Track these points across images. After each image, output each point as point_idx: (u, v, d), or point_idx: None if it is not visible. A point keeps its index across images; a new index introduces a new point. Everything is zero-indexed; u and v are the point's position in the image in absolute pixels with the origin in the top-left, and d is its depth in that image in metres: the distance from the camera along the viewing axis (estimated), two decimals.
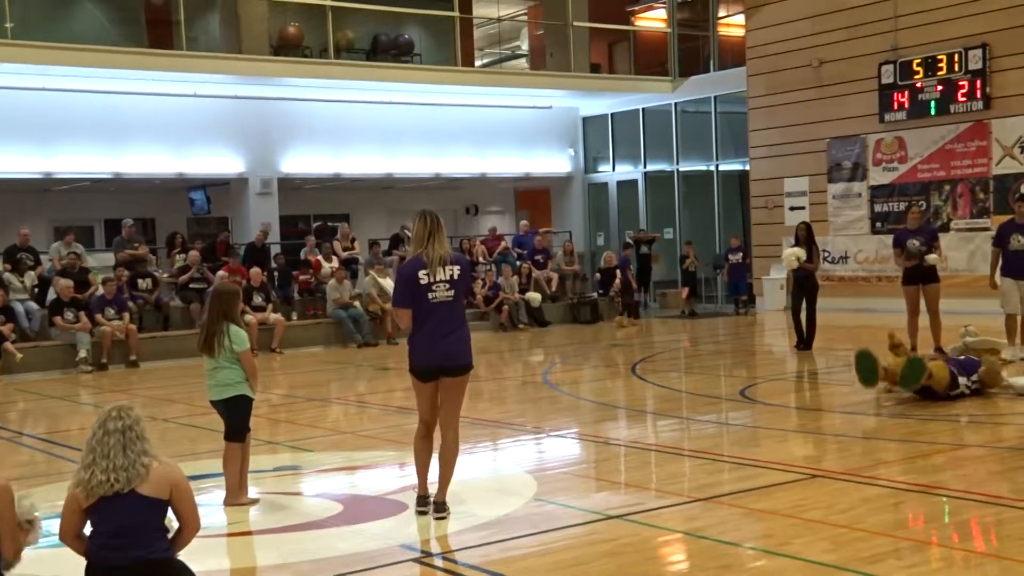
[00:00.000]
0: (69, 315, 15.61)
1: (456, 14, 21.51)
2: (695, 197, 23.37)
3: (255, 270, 17.52)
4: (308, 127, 21.01)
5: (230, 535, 6.37)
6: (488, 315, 19.48)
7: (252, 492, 7.07)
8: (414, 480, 7.15)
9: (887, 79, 18.62)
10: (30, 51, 16.82)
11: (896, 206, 18.46)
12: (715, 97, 22.36)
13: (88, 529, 4.25)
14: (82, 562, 4.28)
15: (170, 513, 4.28)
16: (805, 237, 14.02)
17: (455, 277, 6.25)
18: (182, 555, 4.35)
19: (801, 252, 13.76)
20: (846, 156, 19.51)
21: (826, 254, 19.31)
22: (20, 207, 19.34)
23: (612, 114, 24.31)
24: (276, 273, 18.75)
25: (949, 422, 8.81)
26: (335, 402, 12.26)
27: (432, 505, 6.33)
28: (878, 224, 18.93)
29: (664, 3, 24.14)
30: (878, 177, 19.09)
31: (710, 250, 22.67)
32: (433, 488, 6.38)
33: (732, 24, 23.37)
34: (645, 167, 23.97)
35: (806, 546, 5.43)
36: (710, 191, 22.87)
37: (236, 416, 6.93)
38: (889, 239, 15.14)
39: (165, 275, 17.99)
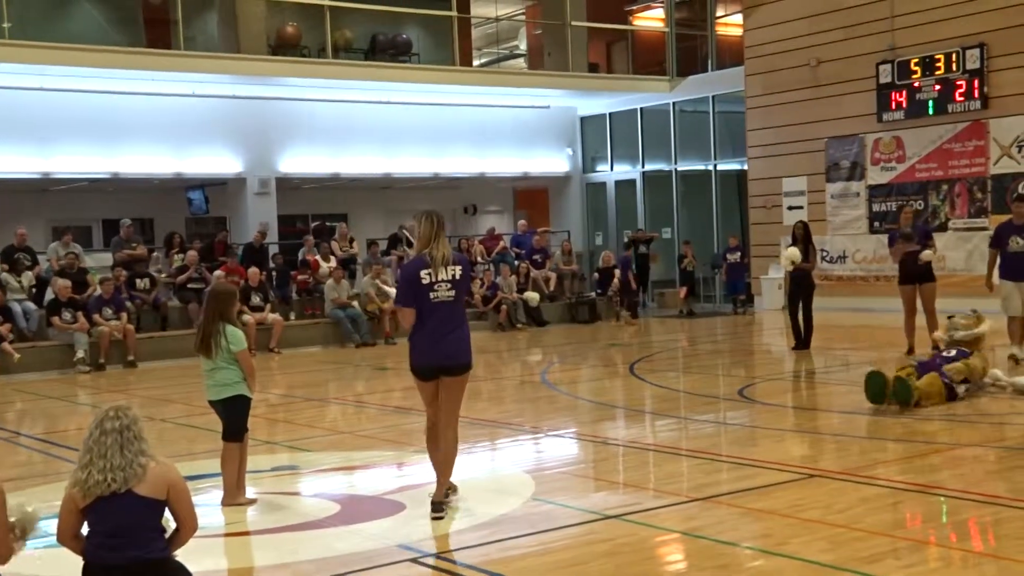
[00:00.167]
0: (67, 315, 15.60)
1: (454, 14, 21.51)
2: (693, 197, 23.37)
3: (253, 270, 17.52)
4: (306, 127, 21.01)
5: (228, 535, 6.37)
6: (486, 315, 19.48)
7: (250, 492, 7.07)
8: (411, 480, 7.16)
9: (885, 79, 18.63)
10: (28, 51, 16.80)
11: (894, 206, 18.44)
12: (713, 97, 22.36)
13: (85, 529, 4.25)
14: (81, 562, 4.27)
15: (167, 513, 4.27)
16: (802, 236, 14.03)
17: (456, 277, 6.33)
18: (179, 555, 4.34)
19: (797, 253, 13.76)
20: (844, 156, 19.52)
21: (824, 254, 19.34)
22: (18, 207, 19.32)
23: (610, 114, 24.31)
24: (274, 273, 18.74)
25: (947, 422, 8.81)
26: (333, 402, 12.26)
27: (431, 505, 6.34)
28: (876, 224, 18.93)
29: (662, 3, 24.14)
30: (876, 177, 19.09)
31: (708, 250, 22.68)
32: (456, 481, 6.50)
33: (730, 24, 23.37)
34: (643, 167, 23.97)
35: (804, 546, 5.43)
36: (708, 191, 22.88)
37: (234, 416, 6.93)
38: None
39: (163, 275, 17.98)
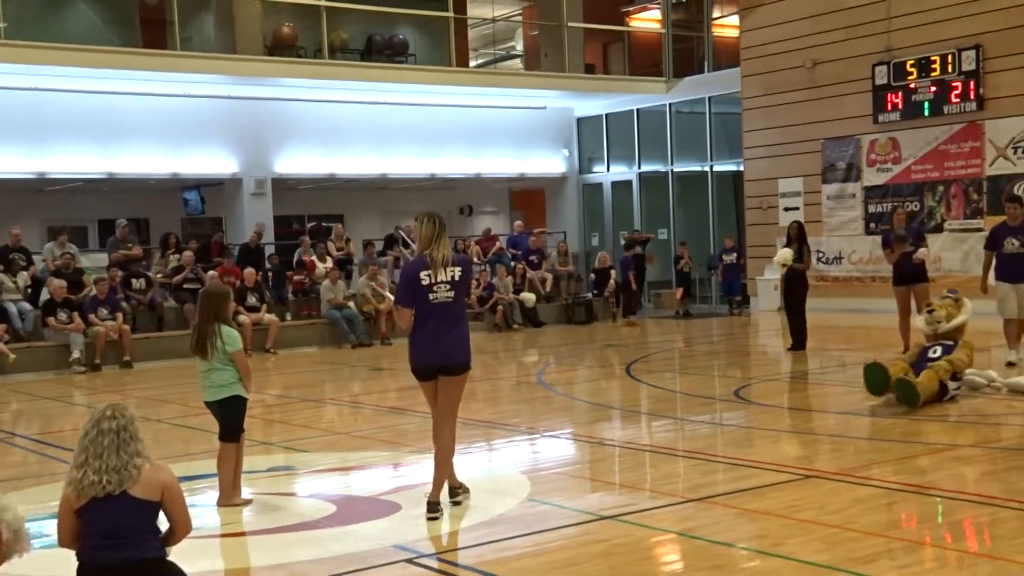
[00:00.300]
0: (62, 316, 15.57)
1: (450, 14, 21.51)
2: (689, 198, 23.39)
3: (249, 270, 17.51)
4: (302, 127, 21.00)
5: (223, 536, 6.37)
6: (483, 315, 19.48)
7: (245, 493, 7.05)
8: (407, 481, 7.16)
9: (881, 80, 18.65)
10: (24, 51, 16.79)
11: (890, 207, 18.43)
12: (709, 98, 22.38)
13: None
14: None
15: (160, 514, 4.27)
16: (797, 236, 14.04)
17: (456, 278, 6.38)
18: (175, 556, 4.34)
19: (788, 253, 13.77)
20: (840, 157, 19.54)
21: (820, 255, 19.37)
22: (13, 207, 19.30)
23: (606, 115, 24.32)
24: (270, 273, 18.74)
25: (942, 422, 8.82)
26: (329, 403, 12.25)
27: (426, 505, 6.35)
28: (872, 225, 18.95)
29: (658, 4, 24.15)
30: (872, 178, 19.12)
31: (704, 251, 22.70)
32: (464, 479, 6.55)
33: (726, 25, 23.38)
34: (639, 168, 23.98)
35: (799, 546, 5.43)
36: (704, 192, 22.89)
37: (230, 417, 6.92)
38: None
39: (159, 275, 17.97)
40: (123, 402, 4.30)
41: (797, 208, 20.09)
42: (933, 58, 17.94)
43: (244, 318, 16.34)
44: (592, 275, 22.07)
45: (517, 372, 14.55)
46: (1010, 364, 11.26)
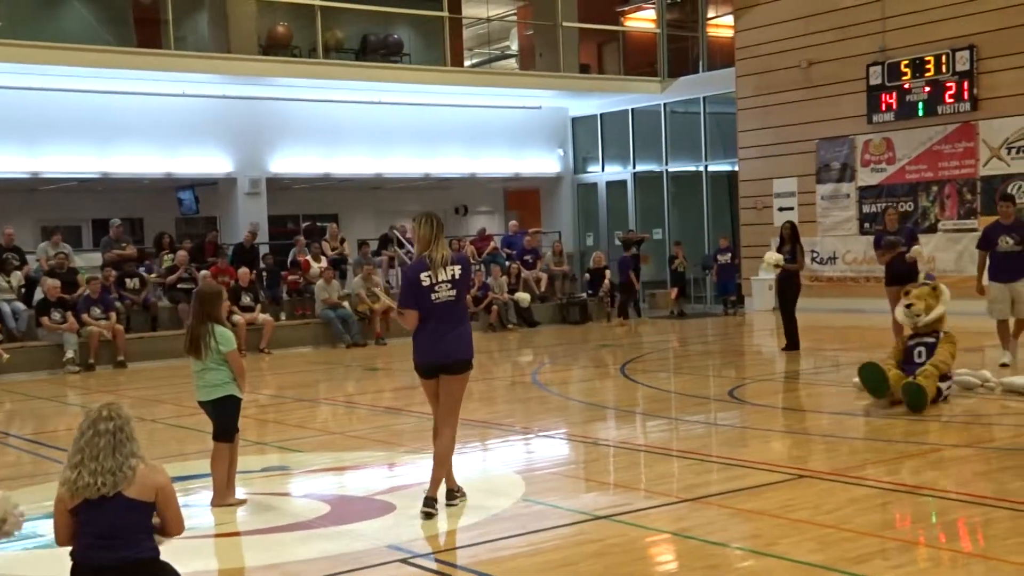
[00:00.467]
0: (56, 315, 15.55)
1: (445, 14, 21.50)
2: (684, 198, 23.40)
3: (243, 270, 17.49)
4: (297, 127, 20.98)
5: (217, 536, 6.36)
6: (477, 315, 19.46)
7: (240, 493, 7.05)
8: (402, 481, 7.15)
9: (875, 80, 18.68)
10: (17, 50, 16.74)
11: (884, 207, 18.48)
12: (704, 98, 22.40)
13: None
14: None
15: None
16: (789, 236, 14.06)
17: (457, 277, 6.44)
18: (170, 556, 4.33)
19: (776, 255, 13.78)
20: (835, 157, 19.57)
21: (814, 255, 19.40)
22: (7, 207, 19.24)
23: (601, 114, 24.33)
24: (265, 273, 18.72)
25: (937, 423, 8.83)
26: (323, 402, 12.24)
27: (422, 500, 6.37)
28: (866, 225, 18.97)
29: (653, 4, 24.16)
30: (866, 178, 19.14)
31: (699, 250, 22.71)
32: (462, 482, 6.59)
33: (721, 25, 23.40)
34: (634, 167, 23.99)
35: (793, 546, 5.43)
36: (699, 192, 22.91)
37: (224, 416, 6.91)
38: None
39: (153, 275, 17.94)
40: (118, 402, 4.29)
41: (791, 208, 20.12)
42: (927, 58, 17.96)
43: (238, 318, 16.33)
44: (587, 275, 22.07)
45: (512, 372, 14.54)
46: (1004, 365, 11.25)
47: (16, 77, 17.61)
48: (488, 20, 26.32)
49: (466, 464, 7.71)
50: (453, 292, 6.43)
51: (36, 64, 17.05)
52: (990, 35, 17.26)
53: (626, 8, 25.59)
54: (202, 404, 6.97)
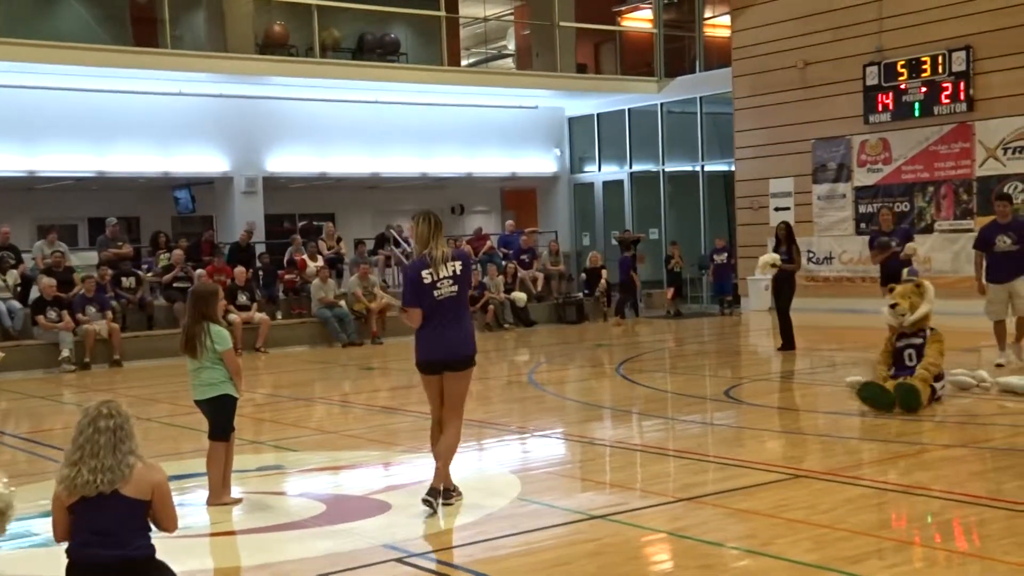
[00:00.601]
0: (52, 314, 15.53)
1: (442, 13, 21.49)
2: (680, 197, 23.42)
3: (240, 269, 17.49)
4: (293, 126, 20.97)
5: (213, 535, 6.36)
6: (474, 315, 19.44)
7: (235, 492, 7.05)
8: (397, 480, 7.14)
9: (872, 80, 18.69)
10: (14, 48, 16.72)
11: (879, 207, 18.50)
12: (701, 98, 22.41)
13: None
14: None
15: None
16: (785, 237, 14.06)
17: (457, 272, 6.47)
18: (165, 555, 4.33)
19: (772, 256, 13.78)
20: (831, 157, 19.58)
21: (810, 255, 19.42)
22: (3, 205, 19.24)
23: (598, 114, 24.34)
24: (261, 272, 18.71)
25: (932, 423, 8.84)
26: (319, 402, 12.24)
27: (427, 490, 6.41)
28: (862, 225, 18.97)
29: (650, 4, 24.17)
30: (862, 178, 19.15)
31: (695, 251, 22.72)
32: (458, 481, 6.62)
33: (718, 25, 23.41)
34: (631, 167, 24.00)
35: (788, 546, 5.44)
36: (695, 192, 22.92)
37: (220, 416, 6.91)
38: None
39: (149, 274, 17.93)
40: (116, 399, 4.28)
41: (788, 208, 20.13)
42: (923, 59, 17.97)
43: (235, 317, 16.33)
44: (583, 275, 22.08)
45: (508, 371, 14.54)
46: (999, 365, 11.26)
47: (13, 76, 17.60)
48: (485, 20, 26.33)
49: (462, 463, 7.71)
50: (455, 288, 6.45)
51: (33, 63, 17.03)
52: (986, 36, 17.27)
53: (623, 8, 25.59)
54: (198, 403, 6.96)
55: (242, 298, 17.26)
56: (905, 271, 10.73)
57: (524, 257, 21.50)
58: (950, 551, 5.43)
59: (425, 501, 6.35)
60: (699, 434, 9.05)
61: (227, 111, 20.22)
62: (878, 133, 18.81)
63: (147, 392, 12.85)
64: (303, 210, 23.01)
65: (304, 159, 21.19)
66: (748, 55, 20.73)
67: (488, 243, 21.72)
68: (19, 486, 7.56)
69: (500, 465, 7.93)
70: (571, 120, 24.89)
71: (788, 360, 13.45)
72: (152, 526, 4.26)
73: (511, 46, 27.80)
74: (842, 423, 9.13)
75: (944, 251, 17.87)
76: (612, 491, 7.04)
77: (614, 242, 22.92)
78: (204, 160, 20.19)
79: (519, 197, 26.48)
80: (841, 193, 19.50)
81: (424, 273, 6.41)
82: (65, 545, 4.21)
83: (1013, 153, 17.15)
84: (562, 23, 22.94)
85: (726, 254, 21.24)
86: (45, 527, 5.80)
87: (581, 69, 24.51)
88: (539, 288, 21.18)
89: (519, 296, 20.15)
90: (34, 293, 16.12)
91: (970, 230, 17.41)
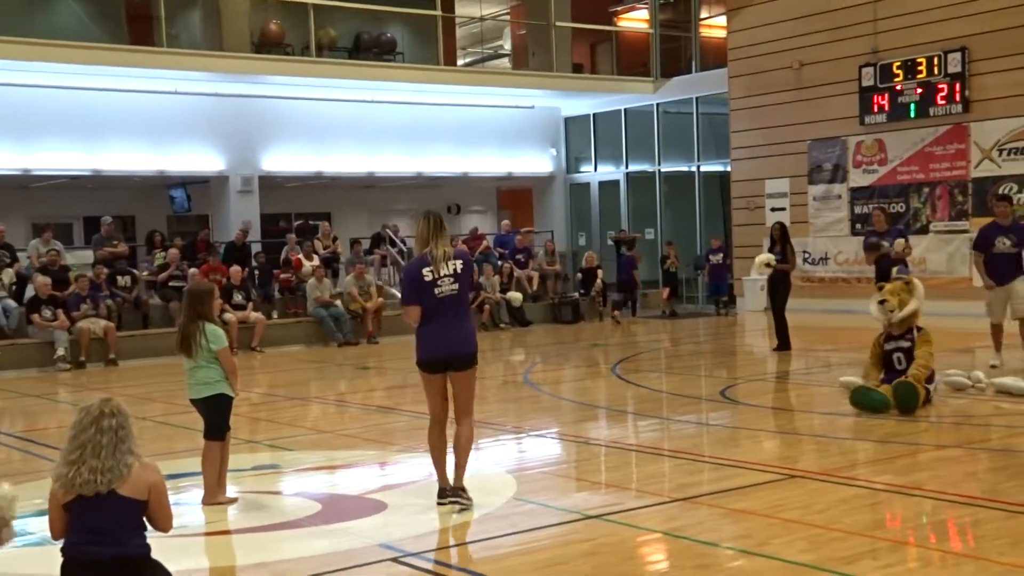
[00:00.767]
0: (47, 313, 15.50)
1: (439, 13, 21.48)
2: (676, 198, 23.43)
3: (235, 268, 17.47)
4: (289, 125, 20.96)
5: (208, 534, 6.35)
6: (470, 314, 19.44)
7: (230, 491, 7.04)
8: (393, 480, 7.14)
9: (867, 82, 18.72)
10: (9, 46, 16.69)
11: (872, 208, 18.52)
12: (697, 98, 22.43)
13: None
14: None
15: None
16: (779, 237, 14.08)
17: (458, 271, 6.47)
18: (160, 554, 4.32)
19: (768, 257, 13.79)
20: (827, 158, 19.60)
21: (806, 255, 19.44)
22: None
23: (594, 114, 24.34)
24: (256, 271, 18.69)
25: (927, 423, 8.85)
26: (315, 401, 12.23)
27: (451, 491, 6.43)
28: (858, 226, 19.00)
29: (646, 4, 24.18)
30: (858, 179, 19.18)
31: (691, 251, 22.74)
32: (454, 481, 6.58)
33: (714, 25, 23.42)
34: (627, 167, 24.02)
35: (784, 546, 5.45)
36: (691, 192, 22.94)
37: (216, 415, 6.90)
38: None
39: (145, 273, 17.92)
40: (115, 398, 4.27)
41: (784, 209, 20.15)
42: (919, 60, 18.01)
43: (230, 316, 16.31)
44: (579, 274, 22.09)
45: (504, 371, 14.54)
46: (993, 367, 11.27)
47: (7, 74, 17.56)
48: (481, 19, 26.33)
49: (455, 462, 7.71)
50: (455, 286, 6.45)
51: (28, 60, 17.00)
52: (982, 37, 17.31)
53: (619, 8, 25.61)
54: (193, 402, 6.96)
55: (238, 297, 17.24)
56: (895, 269, 10.71)
57: (520, 257, 21.50)
58: (945, 551, 5.44)
59: (452, 503, 6.36)
60: (694, 434, 9.06)
61: (223, 110, 20.21)
62: (874, 134, 18.84)
63: (142, 391, 12.83)
64: (299, 209, 22.99)
65: (300, 158, 21.17)
66: (744, 56, 20.75)
67: (484, 243, 21.73)
68: (14, 484, 7.56)
69: (496, 465, 7.93)
70: (567, 120, 24.90)
71: (783, 360, 13.46)
72: (148, 525, 4.26)
73: (507, 46, 27.82)
74: (837, 423, 9.13)
75: (939, 252, 17.90)
76: (608, 491, 7.04)
77: (610, 242, 22.95)
78: (200, 159, 20.17)
79: (515, 197, 26.49)
80: (837, 194, 19.52)
81: (425, 271, 6.42)
82: (60, 543, 4.21)
83: (1008, 154, 17.18)
84: (558, 23, 22.95)
85: (722, 254, 21.26)
86: (40, 526, 5.79)
87: (577, 69, 24.52)
88: (535, 288, 21.19)
89: (515, 296, 20.15)
90: (29, 292, 16.09)
91: (965, 231, 17.47)
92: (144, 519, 4.23)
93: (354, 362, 15.47)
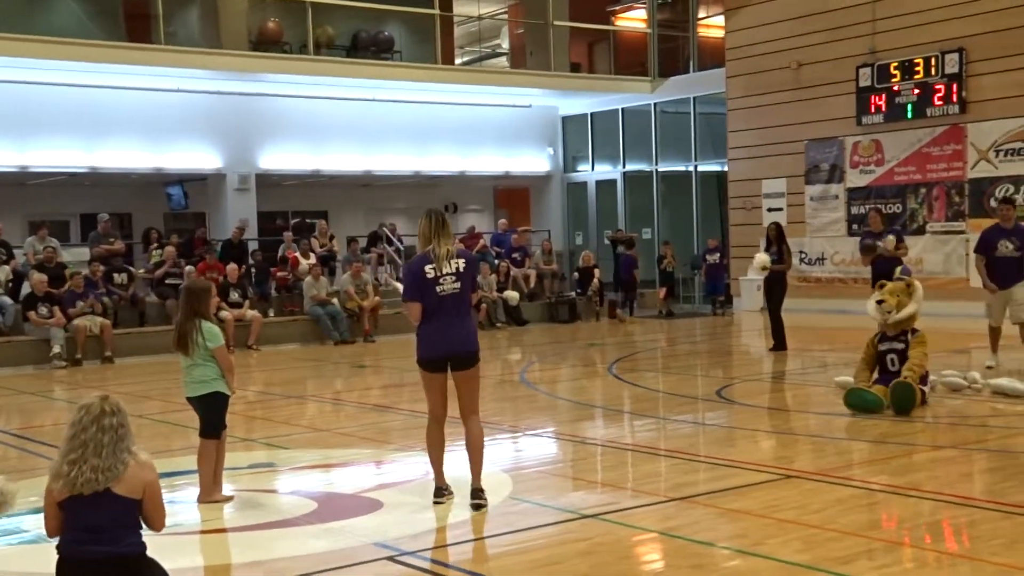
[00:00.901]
0: (43, 310, 15.49)
1: (437, 12, 21.48)
2: (674, 197, 23.43)
3: (232, 266, 17.46)
4: (287, 123, 20.95)
5: (203, 532, 6.35)
6: None
7: (226, 489, 7.04)
8: (389, 478, 7.13)
9: (865, 82, 18.73)
10: (7, 43, 16.67)
11: (868, 208, 18.54)
12: (694, 98, 22.43)
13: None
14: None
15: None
16: (775, 237, 14.08)
17: (461, 270, 6.47)
18: (156, 552, 4.32)
19: (765, 258, 13.81)
20: (824, 158, 19.61)
21: (803, 255, 19.45)
22: None
23: (592, 114, 24.35)
24: (253, 269, 18.68)
25: (923, 424, 8.86)
26: (311, 399, 12.23)
27: (470, 493, 6.44)
28: (855, 226, 19.01)
29: (644, 3, 24.19)
30: (855, 179, 19.19)
31: (688, 250, 22.75)
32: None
33: (712, 25, 23.43)
34: (624, 167, 24.02)
35: (779, 546, 5.45)
36: (689, 192, 22.95)
37: (212, 413, 6.90)
38: None
39: (141, 270, 17.91)
40: (112, 396, 4.26)
41: (781, 209, 20.16)
42: (916, 60, 18.02)
43: (226, 314, 16.30)
44: (576, 274, 22.09)
45: (500, 370, 14.53)
46: (988, 368, 11.28)
47: (5, 71, 17.55)
48: (479, 18, 26.32)
49: (454, 462, 7.71)
50: (458, 285, 6.45)
51: (25, 58, 16.98)
52: (979, 38, 17.32)
53: (617, 8, 25.60)
54: (190, 400, 6.96)
55: (234, 295, 17.23)
56: (898, 270, 10.70)
57: (516, 255, 21.50)
58: (940, 552, 5.44)
59: (475, 506, 6.36)
60: (690, 434, 9.07)
61: (220, 108, 20.20)
62: (871, 134, 18.85)
63: (139, 389, 12.83)
64: (296, 207, 22.99)
65: (297, 156, 21.17)
66: (742, 55, 20.76)
67: (481, 242, 21.72)
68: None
69: (492, 464, 7.91)
70: (565, 119, 24.90)
71: (780, 360, 13.47)
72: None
73: (505, 45, 27.81)
74: (833, 424, 9.14)
75: (936, 252, 17.92)
76: (603, 490, 7.04)
77: (607, 242, 22.95)
78: (197, 156, 20.15)
79: (512, 196, 26.49)
80: (834, 194, 19.53)
81: (427, 268, 6.42)
82: (55, 541, 4.21)
83: (1005, 155, 17.20)
84: (556, 22, 22.95)
85: (719, 254, 21.27)
86: (35, 524, 5.79)
87: (575, 68, 24.53)
88: (531, 286, 21.19)
89: (511, 295, 20.15)
90: (25, 289, 16.07)
91: (962, 232, 17.51)
92: (139, 518, 4.23)
93: (350, 360, 15.46)
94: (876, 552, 5.35)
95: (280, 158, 21.02)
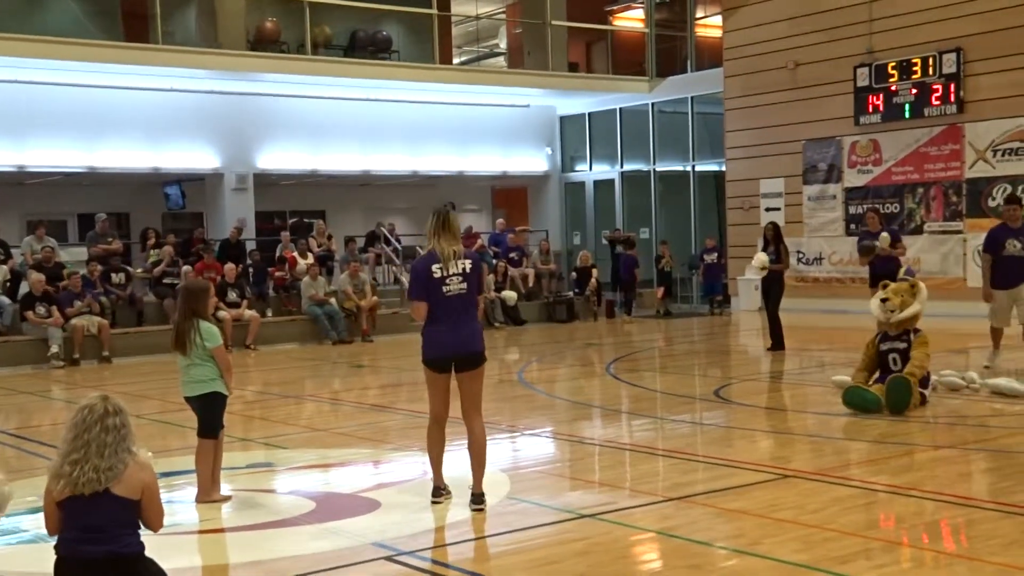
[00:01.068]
0: (41, 310, 15.48)
1: (435, 11, 21.48)
2: (671, 197, 23.45)
3: (230, 266, 17.45)
4: (285, 123, 20.94)
5: (201, 532, 6.35)
6: None
7: (224, 489, 7.04)
8: (387, 478, 7.13)
9: (862, 82, 18.74)
10: (4, 43, 16.66)
11: (866, 209, 18.55)
12: (692, 98, 22.45)
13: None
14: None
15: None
16: (773, 237, 14.09)
17: (467, 270, 6.46)
18: (154, 552, 4.32)
19: (764, 258, 13.82)
20: (821, 158, 19.63)
21: (800, 255, 19.47)
22: None
23: (589, 113, 24.36)
24: (251, 269, 18.67)
25: (921, 423, 8.87)
26: (309, 399, 12.23)
27: (471, 497, 6.43)
28: (852, 226, 19.03)
29: (642, 3, 24.19)
30: (853, 179, 19.21)
31: (686, 250, 22.76)
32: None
33: (709, 25, 23.45)
34: (622, 167, 24.03)
35: (777, 546, 5.45)
36: (686, 191, 22.96)
37: (210, 413, 6.89)
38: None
39: (139, 270, 17.89)
40: (113, 396, 4.26)
41: (778, 209, 20.18)
42: (914, 60, 18.03)
43: (224, 314, 16.29)
44: (574, 274, 22.10)
45: (498, 370, 14.52)
46: (986, 367, 11.27)
47: (3, 71, 17.54)
48: (477, 18, 26.31)
49: (451, 461, 7.72)
50: (464, 285, 6.44)
51: (23, 57, 16.98)
52: (977, 38, 17.34)
53: (615, 7, 25.62)
54: (188, 400, 6.95)
55: (232, 295, 17.22)
56: (902, 270, 10.70)
57: (514, 255, 21.50)
58: (938, 552, 5.45)
59: (476, 509, 6.35)
60: (688, 434, 9.07)
61: (218, 107, 20.19)
62: (868, 134, 18.87)
63: (136, 388, 12.82)
64: (294, 207, 22.97)
65: (295, 156, 21.16)
66: (739, 55, 20.77)
67: (479, 241, 21.71)
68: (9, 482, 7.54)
69: (490, 464, 7.90)
70: (562, 119, 24.91)
71: (777, 360, 13.48)
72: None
73: (503, 45, 27.81)
74: (831, 423, 9.15)
75: (933, 252, 17.94)
76: (601, 490, 7.05)
77: (604, 241, 22.95)
78: (195, 156, 20.14)
79: (510, 196, 26.49)
80: (831, 194, 19.55)
81: (434, 267, 6.41)
82: (54, 541, 4.21)
83: (1002, 155, 17.22)
84: (554, 22, 22.95)
85: (716, 254, 21.28)
86: (34, 523, 5.80)
87: (573, 68, 24.53)
88: (529, 286, 21.19)
89: (509, 295, 20.11)
90: (23, 289, 16.06)
91: (959, 231, 17.53)
92: (138, 518, 4.23)
93: (348, 360, 15.46)
94: (874, 552, 5.36)
95: (278, 158, 21.01)
